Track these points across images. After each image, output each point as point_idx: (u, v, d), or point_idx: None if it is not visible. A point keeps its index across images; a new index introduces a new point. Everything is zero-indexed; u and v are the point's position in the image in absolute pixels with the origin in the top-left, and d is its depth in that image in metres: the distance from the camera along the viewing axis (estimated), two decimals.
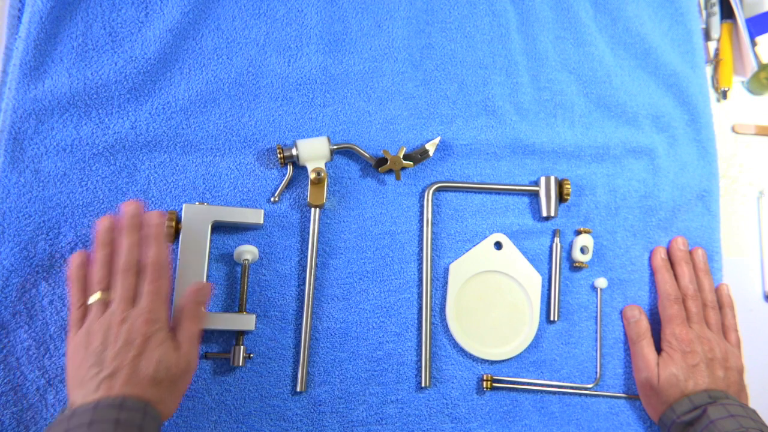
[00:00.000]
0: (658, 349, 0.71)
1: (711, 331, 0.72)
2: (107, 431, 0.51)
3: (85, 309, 0.60)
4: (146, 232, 0.62)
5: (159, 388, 0.56)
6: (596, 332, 0.74)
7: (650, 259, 0.77)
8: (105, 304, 0.59)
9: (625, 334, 0.75)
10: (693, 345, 0.69)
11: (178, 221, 0.67)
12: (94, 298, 0.60)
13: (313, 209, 0.71)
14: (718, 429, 0.62)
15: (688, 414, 0.65)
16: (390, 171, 0.74)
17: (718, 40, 0.86)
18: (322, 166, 0.70)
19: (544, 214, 0.75)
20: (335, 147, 0.72)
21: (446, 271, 0.73)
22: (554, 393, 0.72)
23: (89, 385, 0.55)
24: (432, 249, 0.73)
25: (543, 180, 0.75)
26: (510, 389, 0.71)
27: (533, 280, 0.74)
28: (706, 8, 0.87)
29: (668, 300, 0.72)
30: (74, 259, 0.62)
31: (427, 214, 0.74)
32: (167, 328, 0.59)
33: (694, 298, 0.73)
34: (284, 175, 0.72)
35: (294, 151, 0.70)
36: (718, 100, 0.86)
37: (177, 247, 0.66)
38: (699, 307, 0.72)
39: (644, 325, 0.73)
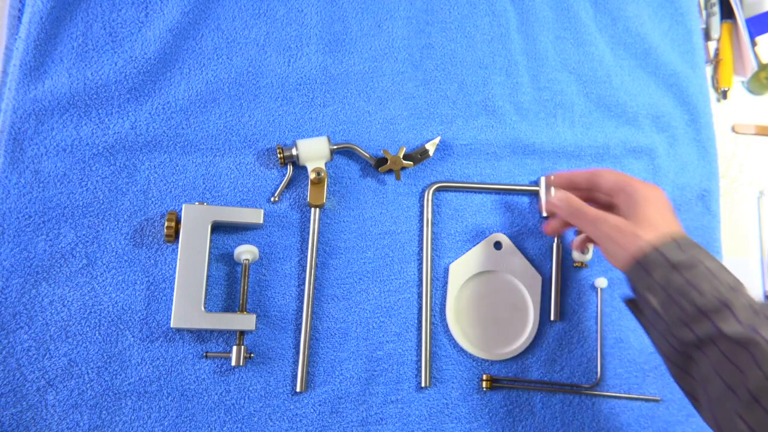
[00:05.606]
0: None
1: None
2: None
3: None
4: None
5: None
6: (596, 332, 0.74)
7: None
8: None
9: (624, 334, 0.74)
10: None
11: (178, 221, 0.67)
12: None
13: (313, 209, 0.71)
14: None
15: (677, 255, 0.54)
16: (390, 171, 0.74)
17: (718, 40, 0.87)
18: (322, 166, 0.70)
19: (544, 214, 0.75)
20: (335, 147, 0.72)
21: (446, 271, 0.73)
22: (554, 393, 0.72)
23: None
24: (432, 249, 0.73)
25: (543, 180, 0.75)
26: (510, 389, 0.71)
27: (533, 280, 0.74)
28: (706, 8, 0.87)
29: None
30: None
31: (427, 214, 0.74)
32: None
33: None
34: (284, 175, 0.72)
35: (294, 151, 0.70)
36: (718, 100, 0.86)
37: (177, 247, 0.66)
38: None
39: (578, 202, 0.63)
